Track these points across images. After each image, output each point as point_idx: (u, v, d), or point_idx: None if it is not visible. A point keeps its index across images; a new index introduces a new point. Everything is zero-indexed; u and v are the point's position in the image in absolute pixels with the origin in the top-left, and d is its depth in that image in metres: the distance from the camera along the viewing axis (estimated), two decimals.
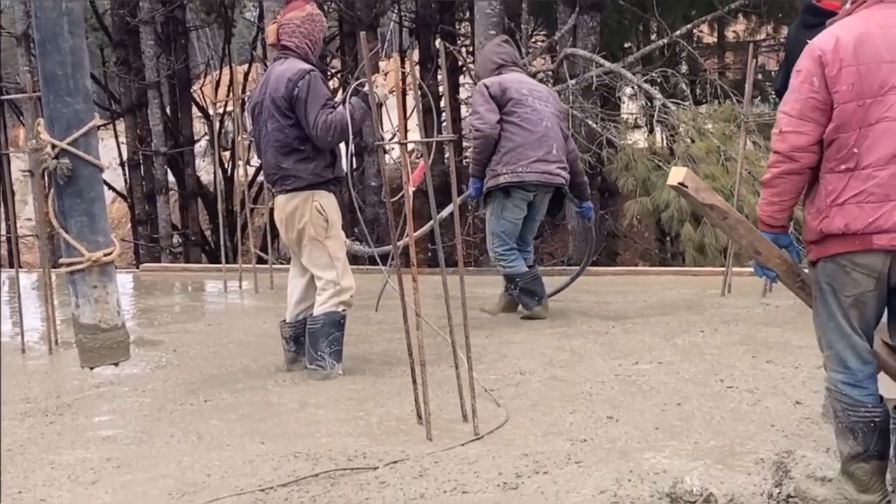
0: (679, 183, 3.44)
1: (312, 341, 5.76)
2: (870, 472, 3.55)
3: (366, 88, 5.48)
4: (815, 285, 3.63)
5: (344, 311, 5.80)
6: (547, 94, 7.57)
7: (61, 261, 3.90)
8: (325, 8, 17.55)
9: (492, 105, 7.21)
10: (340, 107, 5.67)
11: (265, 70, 6.22)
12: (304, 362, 5.87)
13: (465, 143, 19.86)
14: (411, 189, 6.10)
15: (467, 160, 19.46)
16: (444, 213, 8.68)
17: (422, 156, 6.02)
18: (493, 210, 7.39)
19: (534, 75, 14.32)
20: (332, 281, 5.75)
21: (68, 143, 3.76)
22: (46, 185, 3.95)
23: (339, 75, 19.33)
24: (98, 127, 3.89)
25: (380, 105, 5.49)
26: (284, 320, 6.07)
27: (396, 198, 4.93)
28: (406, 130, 4.72)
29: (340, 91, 15.70)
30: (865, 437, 3.52)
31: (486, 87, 7.30)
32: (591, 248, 9.07)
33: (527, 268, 7.41)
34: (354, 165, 16.80)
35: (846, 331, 3.52)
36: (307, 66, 5.71)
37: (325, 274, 5.77)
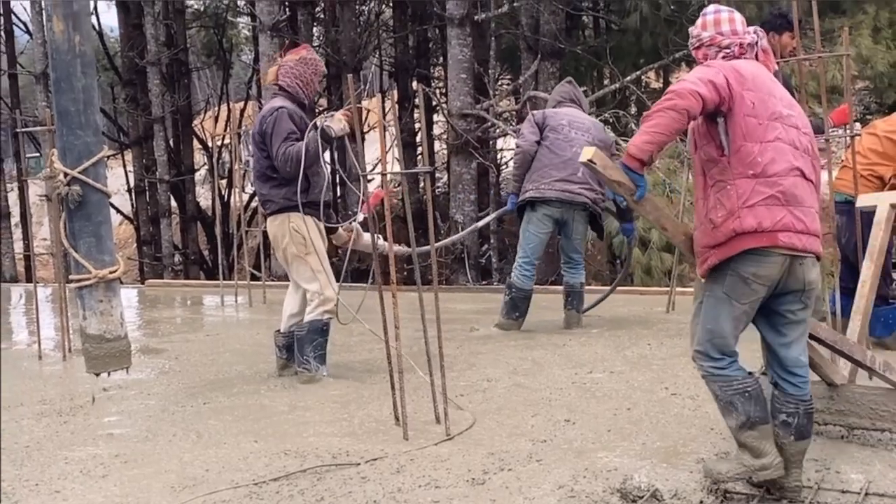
0: (588, 160, 3.45)
1: (299, 346, 5.76)
2: (758, 437, 3.61)
3: (324, 124, 5.54)
4: (710, 295, 3.64)
5: (328, 318, 5.78)
6: (589, 126, 7.51)
7: (71, 277, 3.87)
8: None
9: (534, 129, 7.41)
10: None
11: (261, 107, 6.25)
12: (294, 367, 5.84)
13: (437, 175, 19.92)
14: (361, 216, 6.11)
15: (440, 189, 19.47)
16: (482, 222, 9.06)
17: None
18: (522, 224, 7.52)
19: (500, 115, 14.41)
20: (316, 292, 5.75)
21: (79, 172, 3.73)
22: (61, 208, 3.91)
23: (325, 112, 19.35)
24: (107, 157, 3.87)
25: (339, 138, 5.55)
26: (279, 330, 6.05)
27: (347, 222, 4.96)
28: (386, 163, 4.73)
29: None
30: (744, 405, 3.60)
31: (533, 115, 7.60)
32: (625, 269, 9.26)
33: (530, 287, 7.45)
34: (339, 193, 16.86)
35: (732, 331, 3.62)
36: (277, 104, 5.73)
37: (310, 286, 5.77)
